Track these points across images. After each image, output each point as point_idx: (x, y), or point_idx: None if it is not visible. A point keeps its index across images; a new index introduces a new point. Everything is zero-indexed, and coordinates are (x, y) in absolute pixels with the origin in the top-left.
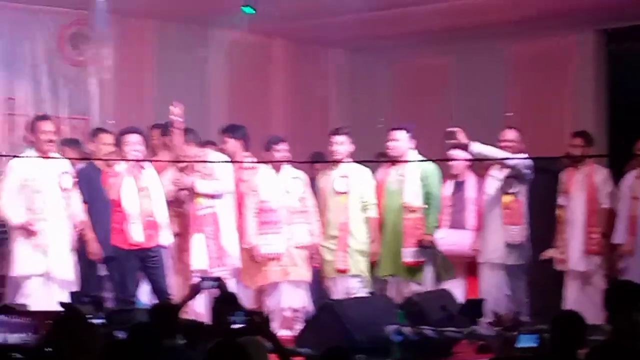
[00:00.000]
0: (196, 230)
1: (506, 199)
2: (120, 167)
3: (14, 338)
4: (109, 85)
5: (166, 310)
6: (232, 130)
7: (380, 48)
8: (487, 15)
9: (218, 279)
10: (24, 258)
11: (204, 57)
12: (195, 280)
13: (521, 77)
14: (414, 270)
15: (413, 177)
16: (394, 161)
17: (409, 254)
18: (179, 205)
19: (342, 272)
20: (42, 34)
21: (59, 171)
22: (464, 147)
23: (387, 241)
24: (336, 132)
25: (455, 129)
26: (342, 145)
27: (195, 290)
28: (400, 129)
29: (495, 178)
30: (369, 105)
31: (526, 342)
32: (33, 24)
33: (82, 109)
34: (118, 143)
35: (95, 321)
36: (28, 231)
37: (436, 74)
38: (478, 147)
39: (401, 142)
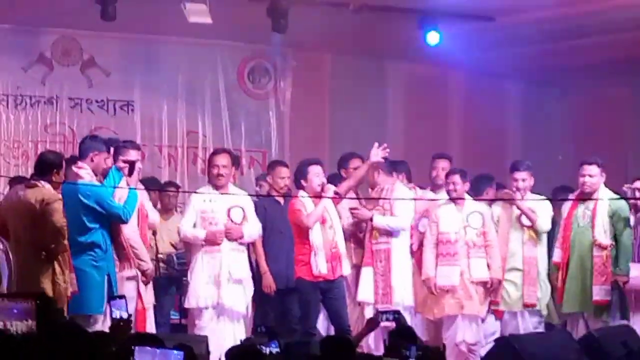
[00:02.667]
0: (367, 264)
1: None
2: (305, 199)
3: None
4: (287, 119)
5: (342, 343)
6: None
7: (556, 79)
8: None
9: (397, 312)
10: (198, 290)
11: (380, 90)
12: (374, 313)
13: None
14: (601, 308)
15: (603, 213)
16: (581, 199)
17: (599, 292)
18: (357, 237)
19: (531, 306)
20: (222, 68)
21: (229, 205)
22: None
23: (574, 277)
24: (519, 167)
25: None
26: (525, 181)
27: (373, 324)
28: (594, 163)
29: None
30: (544, 136)
31: None
32: (213, 58)
33: (261, 142)
34: (299, 174)
35: (268, 350)
36: (215, 240)
37: (613, 105)
38: None
39: (595, 177)
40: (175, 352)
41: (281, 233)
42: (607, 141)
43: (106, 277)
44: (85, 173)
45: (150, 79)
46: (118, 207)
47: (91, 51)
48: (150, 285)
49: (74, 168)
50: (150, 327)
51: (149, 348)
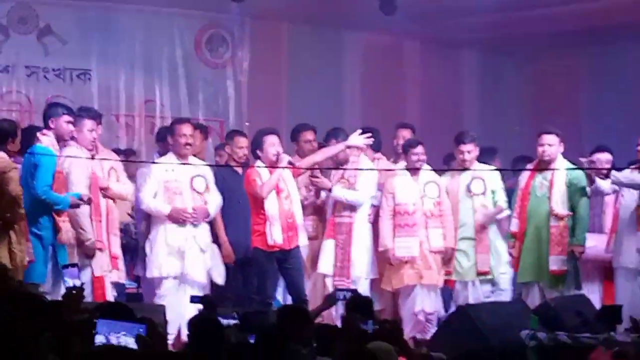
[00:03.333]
0: (329, 236)
1: None
2: (262, 169)
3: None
4: (245, 88)
5: (299, 313)
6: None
7: (513, 49)
8: (624, 15)
9: (354, 291)
10: (160, 260)
11: (338, 59)
12: (332, 291)
13: None
14: (558, 278)
15: (560, 183)
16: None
17: (555, 262)
18: (316, 208)
19: (485, 274)
20: (179, 37)
21: (192, 174)
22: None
23: (530, 247)
24: (464, 139)
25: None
26: (471, 153)
27: (330, 301)
28: (552, 132)
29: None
30: (500, 106)
31: None
32: (170, 27)
33: (218, 111)
34: (255, 144)
35: (226, 322)
36: (179, 218)
37: (569, 75)
38: (618, 177)
39: (554, 146)
40: (138, 324)
41: (239, 203)
42: (563, 111)
43: (50, 247)
44: (45, 139)
45: (108, 48)
46: (38, 187)
47: (48, 19)
48: (106, 253)
49: (38, 134)
50: (109, 296)
51: (111, 321)
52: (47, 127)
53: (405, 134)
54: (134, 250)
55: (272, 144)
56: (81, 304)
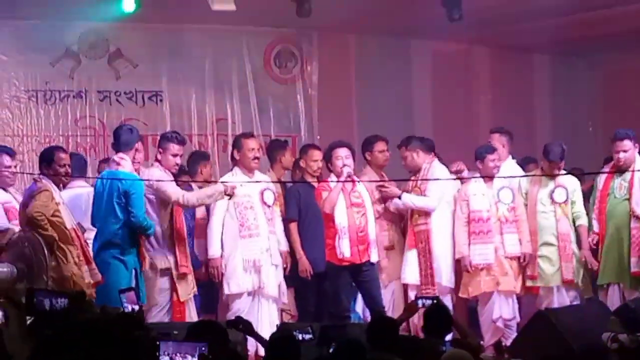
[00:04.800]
0: (411, 246)
1: None
2: (333, 182)
3: None
4: (315, 102)
5: (385, 324)
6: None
7: (584, 51)
8: None
9: (435, 298)
10: (237, 276)
11: (406, 69)
12: (413, 299)
13: None
14: (638, 279)
15: (638, 184)
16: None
17: (636, 264)
18: (389, 216)
19: (570, 282)
20: (248, 54)
21: (261, 187)
22: None
23: (610, 249)
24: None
25: None
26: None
27: (412, 309)
28: (625, 138)
29: None
30: (573, 110)
31: None
32: (239, 45)
33: (290, 126)
34: (326, 157)
35: (302, 336)
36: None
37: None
38: None
39: (629, 151)
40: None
41: (316, 217)
42: (635, 111)
43: (133, 272)
44: (125, 163)
45: (177, 68)
46: (139, 214)
47: (117, 43)
48: (191, 277)
49: (115, 157)
50: (190, 319)
51: (172, 342)
52: (125, 149)
53: (497, 139)
54: None
55: (339, 157)
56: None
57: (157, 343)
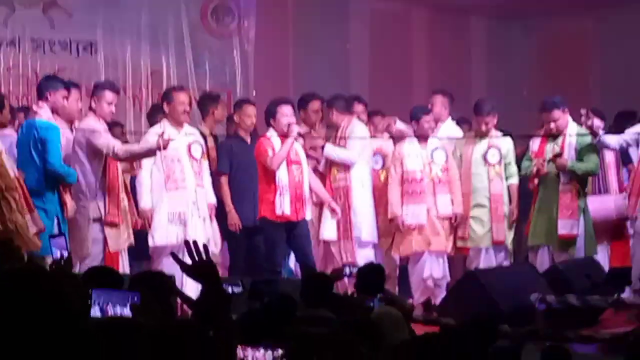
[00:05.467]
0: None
1: None
2: (274, 139)
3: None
4: (252, 58)
5: (319, 280)
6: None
7: (521, 15)
8: None
9: (359, 268)
10: (162, 228)
11: (344, 27)
12: (338, 267)
13: None
14: (567, 242)
15: (570, 148)
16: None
17: (564, 226)
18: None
19: (500, 243)
20: (185, 7)
21: (189, 141)
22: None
23: (540, 212)
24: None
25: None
26: (488, 124)
27: (337, 276)
28: (555, 107)
29: None
30: (509, 72)
31: None
32: None
33: (225, 81)
34: (269, 113)
35: (231, 289)
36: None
37: (578, 39)
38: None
39: (559, 119)
40: (132, 293)
41: (247, 172)
42: (571, 75)
43: (55, 219)
44: (42, 111)
45: (113, 20)
46: (54, 162)
47: None
48: (124, 228)
49: (33, 106)
50: (123, 270)
51: (105, 290)
52: (41, 97)
53: (440, 100)
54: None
55: (285, 115)
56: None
57: (89, 291)
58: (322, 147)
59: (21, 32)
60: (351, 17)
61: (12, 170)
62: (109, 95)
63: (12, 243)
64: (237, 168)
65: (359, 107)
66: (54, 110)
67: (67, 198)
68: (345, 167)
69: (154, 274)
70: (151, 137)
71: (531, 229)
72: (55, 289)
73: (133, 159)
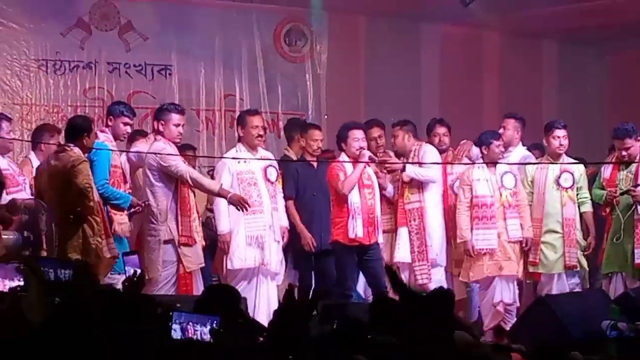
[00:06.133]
0: (402, 224)
1: None
2: (346, 162)
3: None
4: (324, 81)
5: (388, 305)
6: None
7: (593, 39)
8: None
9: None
10: (241, 251)
11: (415, 51)
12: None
13: None
14: None
15: None
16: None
17: (637, 256)
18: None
19: (573, 268)
20: (258, 31)
21: (264, 164)
22: None
23: (614, 238)
24: (558, 125)
25: None
26: (565, 139)
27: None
28: (626, 136)
29: None
30: (581, 97)
31: None
32: (249, 22)
33: (297, 104)
34: (340, 138)
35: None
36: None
37: None
38: None
39: (632, 147)
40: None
41: (314, 196)
42: None
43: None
44: (102, 135)
45: (187, 43)
46: (96, 181)
47: (128, 15)
48: (197, 248)
49: (96, 131)
50: (197, 292)
51: (185, 312)
52: (106, 124)
53: (512, 124)
54: (215, 244)
55: (356, 139)
56: (139, 291)
57: (170, 313)
58: (402, 170)
59: (97, 55)
60: (422, 41)
61: (96, 194)
62: (175, 117)
63: (89, 267)
64: (303, 192)
65: (441, 129)
66: (116, 137)
67: (116, 216)
68: (420, 188)
69: (229, 291)
70: (225, 177)
71: (605, 257)
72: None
73: (200, 189)
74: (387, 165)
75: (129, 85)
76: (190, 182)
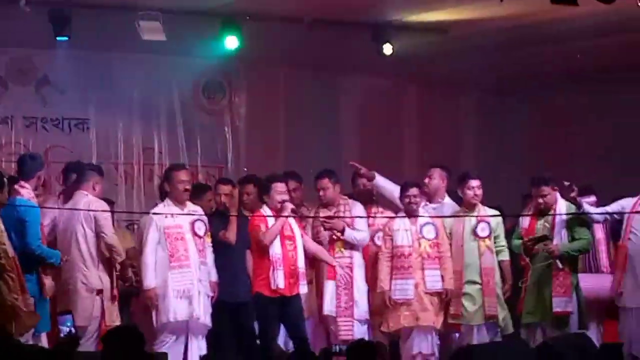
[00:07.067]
0: (330, 277)
1: None
2: (268, 215)
3: None
4: (243, 134)
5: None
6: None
7: (512, 90)
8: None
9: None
10: (169, 305)
11: (335, 103)
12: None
13: None
14: (562, 319)
15: (561, 225)
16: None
17: (559, 304)
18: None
19: (492, 318)
20: (176, 85)
21: (192, 219)
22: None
23: (533, 289)
24: (472, 175)
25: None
26: (479, 189)
27: (326, 356)
28: (544, 184)
29: None
30: (500, 148)
31: None
32: (167, 75)
33: (217, 157)
34: (263, 190)
35: None
36: (151, 302)
37: (568, 114)
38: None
39: (548, 196)
40: None
41: (228, 248)
42: (561, 150)
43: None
44: (25, 192)
45: (105, 96)
46: (32, 242)
47: (45, 69)
48: (115, 304)
49: (16, 186)
50: None
51: None
52: (29, 177)
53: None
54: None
55: (279, 192)
56: (75, 352)
57: None
58: (342, 231)
59: (14, 110)
60: (341, 92)
61: (10, 250)
62: (99, 178)
63: (6, 330)
64: (218, 243)
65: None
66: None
67: (47, 279)
68: (354, 246)
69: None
70: (152, 232)
71: (525, 307)
72: None
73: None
74: (327, 227)
75: (46, 140)
76: (106, 249)
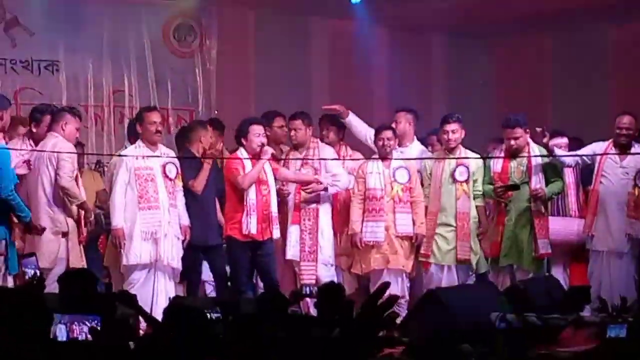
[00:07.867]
0: (295, 222)
1: (636, 191)
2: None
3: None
4: (214, 77)
5: (274, 300)
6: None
7: (480, 33)
8: None
9: (319, 287)
10: (136, 246)
11: (305, 46)
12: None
13: (625, 59)
14: (540, 262)
15: (538, 168)
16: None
17: (544, 246)
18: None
19: (465, 262)
20: (147, 27)
21: (163, 161)
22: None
23: (511, 230)
24: (448, 119)
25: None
26: (456, 133)
27: (295, 297)
28: (516, 125)
29: (618, 165)
30: (469, 90)
31: (615, 332)
32: (138, 17)
33: (187, 100)
34: (240, 133)
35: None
36: (119, 241)
37: (536, 56)
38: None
39: (521, 137)
40: (91, 316)
41: (208, 191)
42: (528, 93)
43: (3, 242)
44: None
45: (75, 39)
46: (4, 188)
47: (14, 11)
48: (77, 245)
49: None
50: None
51: (63, 315)
52: None
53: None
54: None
55: (257, 134)
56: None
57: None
58: (325, 189)
59: None
60: (312, 35)
61: None
62: (70, 118)
63: None
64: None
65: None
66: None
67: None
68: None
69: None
70: (122, 173)
71: (503, 249)
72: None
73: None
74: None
75: (16, 82)
76: (61, 191)
